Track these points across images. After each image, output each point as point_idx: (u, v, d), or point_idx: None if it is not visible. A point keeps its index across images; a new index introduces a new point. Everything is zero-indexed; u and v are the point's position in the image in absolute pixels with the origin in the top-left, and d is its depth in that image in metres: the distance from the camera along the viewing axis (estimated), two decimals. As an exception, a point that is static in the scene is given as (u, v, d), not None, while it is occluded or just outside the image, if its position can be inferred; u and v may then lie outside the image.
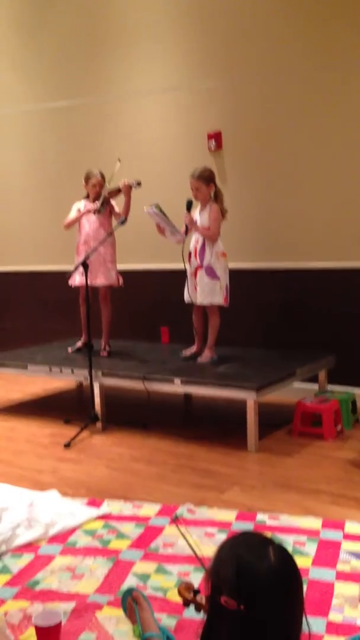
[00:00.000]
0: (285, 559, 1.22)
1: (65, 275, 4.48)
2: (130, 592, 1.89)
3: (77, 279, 4.55)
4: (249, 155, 4.70)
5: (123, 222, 4.20)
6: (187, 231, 4.29)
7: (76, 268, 4.23)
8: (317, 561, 2.34)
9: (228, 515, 2.77)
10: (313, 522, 2.66)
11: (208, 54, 4.77)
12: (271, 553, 1.21)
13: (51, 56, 5.59)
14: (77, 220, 4.58)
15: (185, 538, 1.75)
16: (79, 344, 4.83)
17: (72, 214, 4.61)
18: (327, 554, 2.39)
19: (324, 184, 4.44)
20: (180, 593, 1.48)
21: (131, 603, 1.84)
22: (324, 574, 2.24)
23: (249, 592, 1.17)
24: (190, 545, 1.68)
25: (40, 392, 5.24)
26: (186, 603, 1.47)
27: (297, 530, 2.59)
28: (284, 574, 1.21)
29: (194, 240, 4.28)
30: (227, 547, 1.26)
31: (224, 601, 1.17)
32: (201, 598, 1.44)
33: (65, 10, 5.44)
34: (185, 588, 1.47)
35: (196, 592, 1.46)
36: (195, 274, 4.24)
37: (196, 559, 2.26)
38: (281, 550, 1.23)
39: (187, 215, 4.21)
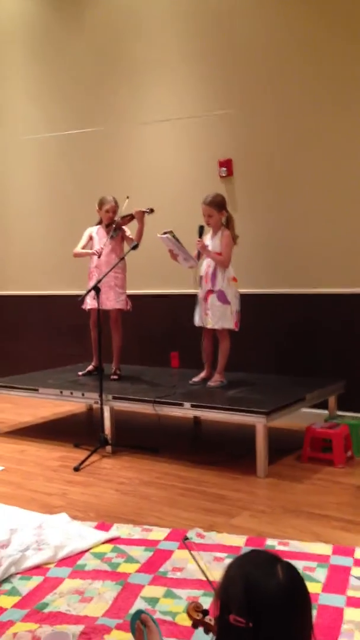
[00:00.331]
0: (293, 576, 1.23)
1: (77, 299, 4.54)
2: (138, 615, 1.88)
3: (88, 303, 4.61)
4: (259, 182, 4.76)
5: (135, 247, 4.26)
6: (199, 256, 4.35)
7: (88, 292, 4.28)
8: (327, 587, 2.32)
9: (237, 540, 2.76)
10: (323, 548, 2.65)
11: (219, 83, 4.88)
12: (280, 571, 1.21)
13: (67, 85, 5.73)
14: (86, 255, 4.65)
15: (195, 560, 1.75)
16: (90, 367, 4.87)
17: (83, 240, 4.69)
18: (337, 579, 2.37)
19: (334, 210, 4.49)
20: (188, 614, 1.48)
21: (140, 626, 1.82)
22: (333, 600, 2.22)
23: (258, 610, 1.17)
24: (200, 568, 1.68)
25: (51, 416, 5.26)
26: (195, 624, 1.47)
27: (307, 556, 2.58)
28: (293, 592, 1.21)
29: (206, 265, 4.33)
30: (236, 565, 1.26)
31: (232, 619, 1.18)
32: (210, 619, 1.44)
33: (81, 41, 5.59)
34: (193, 609, 1.47)
35: (205, 612, 1.46)
36: (206, 298, 4.28)
37: (205, 583, 2.26)
38: (290, 568, 1.24)
39: (199, 241, 4.26)
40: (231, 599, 1.21)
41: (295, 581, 1.23)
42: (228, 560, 2.55)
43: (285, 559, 1.26)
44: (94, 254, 4.57)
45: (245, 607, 1.19)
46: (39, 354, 6.04)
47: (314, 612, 2.13)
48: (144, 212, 4.45)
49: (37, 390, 4.53)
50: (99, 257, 4.55)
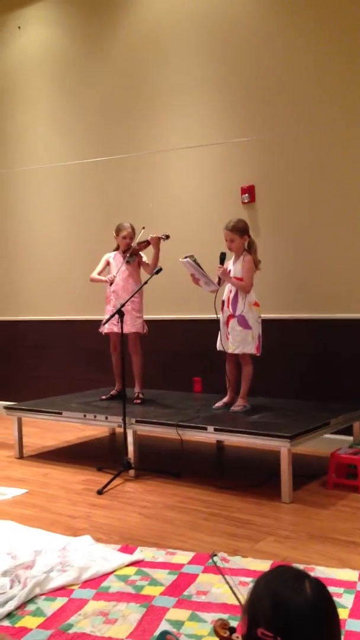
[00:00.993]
0: (321, 592, 1.22)
1: (101, 324, 4.60)
2: (163, 636, 1.87)
3: (105, 327, 4.68)
4: (282, 208, 4.81)
5: (159, 271, 4.32)
6: (220, 282, 4.38)
7: (112, 316, 4.34)
8: (354, 613, 2.28)
9: (262, 565, 2.73)
10: (349, 574, 2.61)
11: (241, 110, 4.96)
12: (308, 586, 1.21)
13: (90, 113, 5.86)
14: (100, 282, 4.75)
15: (224, 578, 1.75)
16: (113, 392, 4.90)
17: (100, 265, 4.82)
18: (365, 605, 2.33)
19: (356, 236, 4.50)
20: (215, 631, 1.48)
21: (165, 647, 1.82)
22: (361, 626, 2.19)
23: (286, 625, 1.17)
24: (228, 584, 1.68)
25: (74, 440, 5.27)
26: (222, 642, 1.46)
27: (333, 582, 2.54)
28: (321, 608, 1.21)
29: (227, 289, 4.36)
30: (264, 580, 1.26)
31: (260, 633, 1.18)
32: (237, 637, 1.43)
33: (105, 70, 5.74)
34: (220, 626, 1.47)
35: (232, 630, 1.45)
36: (227, 323, 4.30)
37: (231, 607, 2.24)
38: (318, 584, 1.24)
39: (220, 268, 4.30)
40: (259, 614, 1.21)
41: (323, 597, 1.23)
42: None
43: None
44: (107, 281, 4.67)
45: (274, 622, 1.19)
46: (61, 379, 6.09)
47: (342, 638, 2.09)
48: (159, 238, 4.55)
49: (60, 413, 4.56)
50: (111, 284, 4.64)
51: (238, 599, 1.59)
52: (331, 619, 1.22)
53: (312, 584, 1.23)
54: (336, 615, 1.24)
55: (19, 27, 6.28)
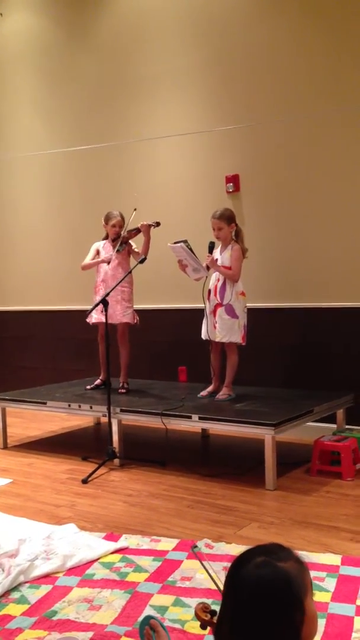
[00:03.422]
0: (278, 573, 1.22)
1: (85, 314, 4.58)
2: (147, 620, 1.88)
3: (93, 317, 4.64)
4: (266, 197, 4.81)
5: (143, 260, 4.31)
6: (208, 269, 4.37)
7: (96, 306, 4.32)
8: (337, 596, 2.31)
9: (246, 550, 2.74)
10: (332, 559, 2.64)
11: (226, 99, 4.95)
12: (287, 562, 1.22)
13: (74, 102, 5.81)
14: (94, 265, 4.70)
15: (204, 568, 1.76)
16: (98, 381, 4.89)
17: (90, 254, 4.75)
18: (347, 589, 2.36)
19: (341, 224, 4.52)
20: (197, 614, 1.48)
21: (149, 632, 1.82)
22: (343, 609, 2.21)
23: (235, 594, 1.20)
24: (209, 575, 1.69)
25: (59, 430, 5.27)
26: (203, 625, 1.47)
27: (316, 566, 2.56)
28: (291, 582, 1.21)
29: (214, 278, 4.35)
30: (250, 550, 1.29)
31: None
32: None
33: (88, 57, 5.69)
34: (202, 609, 1.47)
35: (213, 613, 1.46)
36: (214, 312, 4.30)
37: (214, 592, 2.25)
38: (299, 564, 1.24)
39: (209, 257, 4.30)
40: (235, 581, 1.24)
41: (296, 577, 1.23)
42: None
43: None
44: (104, 261, 4.62)
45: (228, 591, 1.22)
46: (46, 369, 6.07)
47: (323, 621, 2.12)
48: (150, 226, 4.51)
49: (45, 403, 4.54)
50: (108, 263, 4.59)
51: (218, 587, 1.60)
52: (275, 604, 1.20)
53: (294, 560, 1.24)
54: (283, 603, 1.21)
55: (1, 14, 6.20)
